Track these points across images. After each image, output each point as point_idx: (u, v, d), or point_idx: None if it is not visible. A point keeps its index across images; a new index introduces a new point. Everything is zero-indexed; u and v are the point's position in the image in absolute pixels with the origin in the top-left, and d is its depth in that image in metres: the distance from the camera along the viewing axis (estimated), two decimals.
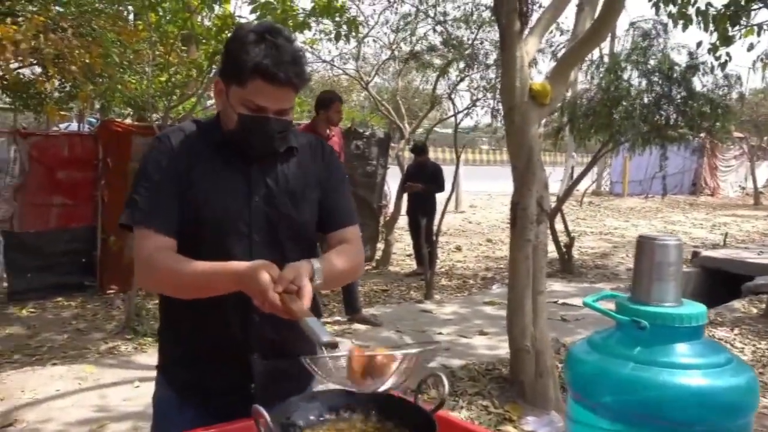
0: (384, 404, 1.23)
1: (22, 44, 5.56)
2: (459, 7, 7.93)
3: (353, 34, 6.38)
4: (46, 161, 6.46)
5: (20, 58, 6.08)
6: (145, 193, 1.53)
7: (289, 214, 1.58)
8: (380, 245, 8.47)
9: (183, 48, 6.89)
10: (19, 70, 7.02)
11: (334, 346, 1.21)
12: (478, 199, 16.76)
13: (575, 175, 11.71)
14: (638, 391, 0.93)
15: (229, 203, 1.55)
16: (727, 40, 6.91)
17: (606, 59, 8.53)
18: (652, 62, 7.79)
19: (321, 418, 1.22)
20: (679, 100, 7.72)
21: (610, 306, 1.05)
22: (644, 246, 1.00)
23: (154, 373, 3.95)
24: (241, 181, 1.57)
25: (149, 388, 3.98)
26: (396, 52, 8.93)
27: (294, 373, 1.52)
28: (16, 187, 6.32)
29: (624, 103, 7.57)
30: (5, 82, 6.97)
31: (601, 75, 8.08)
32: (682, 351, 0.95)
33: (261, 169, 1.58)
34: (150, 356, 4.61)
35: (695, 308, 0.98)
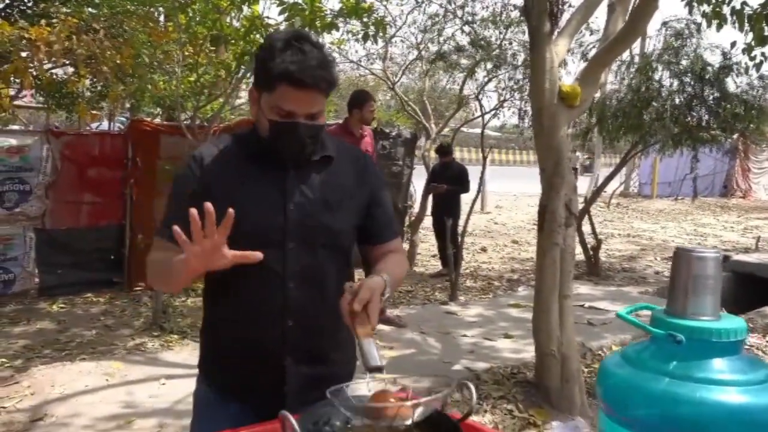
0: (419, 392, 1.23)
1: (56, 45, 5.67)
2: (487, 7, 7.90)
3: (381, 34, 6.36)
4: (77, 160, 6.57)
5: (53, 59, 6.20)
6: (170, 211, 1.61)
7: (324, 223, 1.60)
8: (405, 245, 8.46)
9: (212, 48, 6.95)
10: (52, 70, 7.15)
11: (379, 371, 1.27)
12: (504, 200, 16.65)
13: (600, 177, 11.57)
14: (673, 407, 0.91)
15: (264, 212, 1.58)
16: (763, 41, 6.74)
17: (637, 59, 8.43)
18: (684, 62, 7.67)
19: (348, 425, 1.21)
20: (711, 101, 7.59)
21: (644, 317, 1.02)
22: (681, 258, 0.97)
23: (180, 371, 4.02)
24: (276, 190, 1.59)
25: (175, 385, 4.03)
26: (423, 53, 8.91)
27: (327, 380, 1.50)
28: (47, 185, 6.43)
29: (655, 104, 7.46)
30: (39, 82, 7.11)
31: (631, 75, 7.98)
32: (719, 367, 0.92)
33: (297, 176, 1.60)
34: (176, 353, 4.67)
35: (734, 322, 0.95)
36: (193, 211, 1.33)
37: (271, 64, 1.48)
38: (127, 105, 10.42)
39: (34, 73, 6.54)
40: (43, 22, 6.28)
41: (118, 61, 6.05)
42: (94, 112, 9.06)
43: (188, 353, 4.58)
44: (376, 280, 1.43)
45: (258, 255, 1.42)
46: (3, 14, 7.53)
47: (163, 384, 4.03)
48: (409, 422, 1.16)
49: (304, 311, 1.60)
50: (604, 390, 1.01)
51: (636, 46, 9.91)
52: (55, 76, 7.40)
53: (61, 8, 7.36)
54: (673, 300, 0.98)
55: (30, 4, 8.13)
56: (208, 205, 1.34)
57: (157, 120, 8.79)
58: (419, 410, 1.16)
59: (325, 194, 1.61)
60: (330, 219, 1.61)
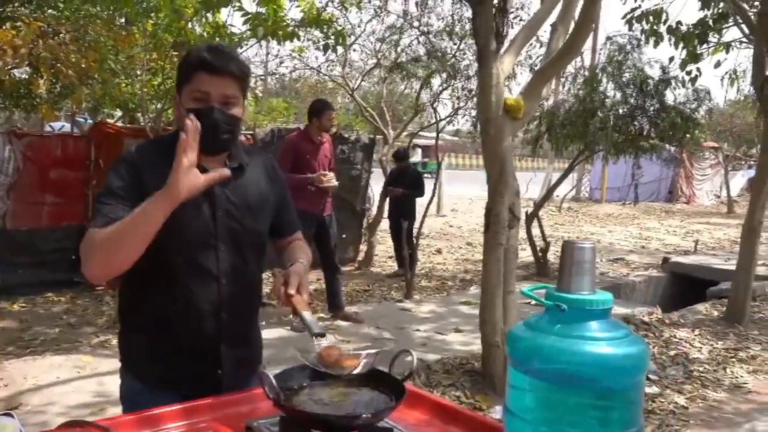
0: (363, 374, 1.51)
1: (22, 49, 5.78)
2: (443, 18, 8.25)
3: (341, 44, 6.64)
4: (39, 161, 6.65)
5: (17, 62, 6.28)
6: (107, 201, 1.63)
7: (250, 227, 1.81)
8: (363, 247, 8.75)
9: (175, 54, 7.12)
10: (12, 71, 7.20)
11: (323, 336, 1.54)
12: (460, 203, 17.08)
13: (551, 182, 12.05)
14: (559, 357, 1.22)
15: (196, 218, 1.72)
16: (695, 57, 7.29)
17: (584, 72, 8.90)
18: (627, 75, 8.14)
19: (312, 382, 1.50)
20: (651, 112, 8.08)
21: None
22: (567, 248, 1.29)
23: None
24: (205, 197, 1.70)
25: None
26: (381, 61, 9.22)
27: (252, 360, 1.89)
28: (9, 186, 6.50)
29: (600, 114, 7.91)
30: (1, 83, 7.15)
31: (578, 87, 8.44)
32: (592, 327, 1.23)
33: (221, 184, 1.72)
34: None
35: (604, 296, 1.27)
36: (191, 119, 1.52)
37: (189, 59, 1.72)
38: (86, 106, 10.44)
39: None
40: (8, 25, 6.37)
41: (83, 65, 6.17)
42: (56, 113, 9.08)
43: None
44: (298, 266, 1.72)
45: (226, 171, 1.62)
46: None
47: None
48: (357, 371, 1.44)
49: (236, 304, 1.81)
50: (511, 349, 1.32)
51: (586, 59, 10.42)
52: (15, 78, 7.44)
53: (20, 9, 7.43)
54: (560, 280, 1.30)
55: None
56: (193, 121, 1.52)
57: (119, 123, 8.87)
58: (364, 361, 1.44)
59: (247, 199, 1.79)
60: (253, 222, 1.81)
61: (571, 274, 1.30)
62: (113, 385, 4.17)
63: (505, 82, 4.51)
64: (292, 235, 1.98)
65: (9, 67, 6.29)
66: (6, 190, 6.49)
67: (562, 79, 8.85)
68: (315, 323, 1.57)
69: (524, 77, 15.54)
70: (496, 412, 3.78)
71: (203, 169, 1.61)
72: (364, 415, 1.36)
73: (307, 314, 1.58)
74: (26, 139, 6.71)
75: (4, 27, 6.09)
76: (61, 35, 6.26)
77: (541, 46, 8.43)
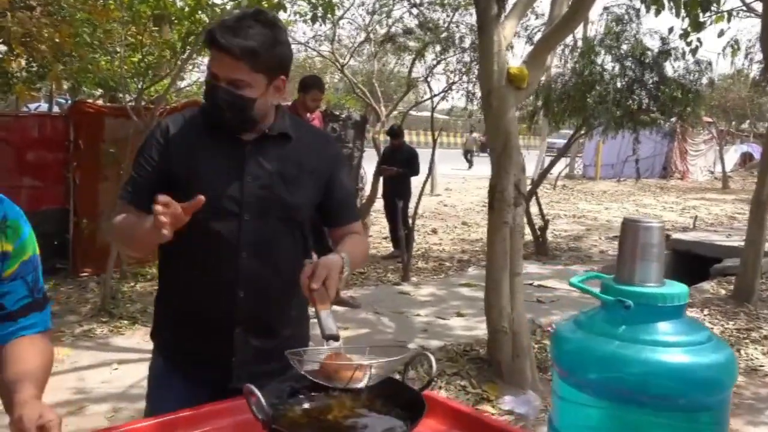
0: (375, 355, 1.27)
1: None
2: None
3: (329, 16, 6.33)
4: (15, 142, 6.33)
5: None
6: (135, 173, 1.66)
7: (280, 196, 1.63)
8: None
9: (155, 28, 6.78)
10: None
11: (335, 339, 1.31)
12: (454, 182, 16.83)
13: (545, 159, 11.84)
14: (622, 367, 0.96)
15: (221, 183, 1.60)
16: (698, 26, 6.99)
17: (580, 44, 8.61)
18: (625, 47, 7.88)
19: (312, 395, 1.24)
20: (651, 85, 7.84)
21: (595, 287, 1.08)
22: (629, 228, 1.03)
23: (132, 356, 3.97)
24: (234, 162, 1.61)
25: (128, 370, 3.98)
26: (371, 35, 8.89)
27: (275, 354, 1.53)
28: None
29: (598, 88, 7.66)
30: None
31: (575, 59, 8.16)
32: (664, 329, 0.98)
33: (254, 150, 1.63)
34: (127, 338, 4.59)
35: (677, 288, 1.02)
36: (162, 198, 1.36)
37: (206, 32, 1.60)
38: (66, 86, 10.09)
39: None
40: None
41: (56, 40, 5.84)
42: (32, 93, 8.73)
43: (140, 338, 4.51)
44: (333, 258, 1.46)
45: (201, 198, 1.42)
46: None
47: (116, 369, 3.97)
48: (362, 384, 1.19)
49: (256, 282, 1.62)
50: (558, 354, 1.06)
51: (579, 31, 10.11)
52: None
53: None
54: (621, 268, 1.04)
55: None
56: (200, 198, 1.39)
57: (100, 102, 8.53)
58: (373, 372, 1.19)
59: (282, 169, 1.64)
60: (286, 193, 1.63)
61: (635, 260, 1.04)
62: (93, 380, 3.96)
63: (506, 51, 4.22)
64: (346, 226, 1.75)
65: None
66: None
67: (558, 52, 8.56)
68: (329, 324, 1.33)
69: (522, 50, 15.26)
70: (505, 403, 3.57)
71: (237, 138, 1.61)
72: None
73: (324, 312, 1.35)
74: (0, 119, 6.37)
75: None
76: (31, 9, 5.91)
77: (536, 18, 8.17)
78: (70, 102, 10.61)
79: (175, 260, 1.69)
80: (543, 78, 8.07)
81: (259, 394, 1.10)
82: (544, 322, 5.07)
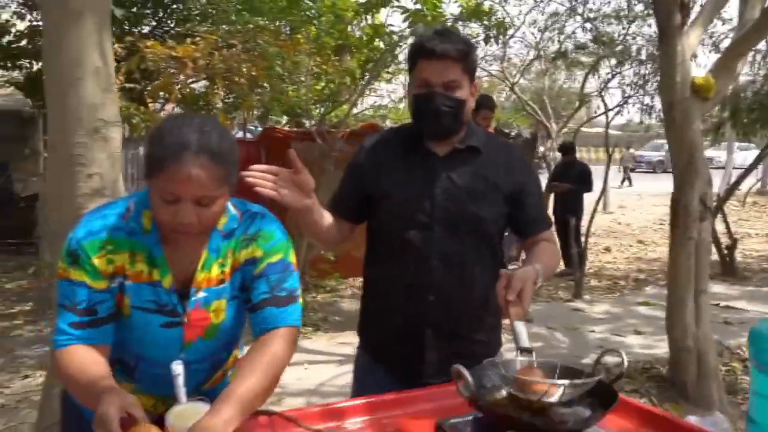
0: (567, 370, 1.35)
1: (200, 61, 6.22)
2: (609, 2, 7.76)
3: (501, 36, 6.45)
4: None
5: (196, 74, 6.77)
6: (338, 188, 1.88)
7: (468, 210, 1.74)
8: None
9: (336, 58, 7.32)
10: (191, 85, 7.80)
11: (529, 352, 1.39)
12: (628, 199, 16.07)
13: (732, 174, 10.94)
14: None
15: (413, 196, 1.75)
16: None
17: None
18: None
19: (516, 369, 1.35)
20: None
21: None
22: None
23: (320, 357, 4.33)
24: (425, 176, 1.75)
25: (317, 370, 4.32)
26: (542, 52, 8.87)
27: (466, 357, 1.62)
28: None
29: None
30: (182, 96, 7.77)
31: None
32: None
33: (445, 165, 1.76)
34: (313, 342, 4.97)
35: None
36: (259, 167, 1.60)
37: (413, 46, 1.76)
38: (257, 114, 11.11)
39: (179, 88, 7.18)
40: (188, 40, 6.89)
41: (253, 73, 6.52)
42: (228, 122, 9.73)
43: (325, 342, 4.88)
44: (527, 270, 1.54)
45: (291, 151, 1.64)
46: (152, 35, 8.29)
47: (306, 368, 4.33)
48: (554, 399, 1.25)
49: (445, 289, 1.75)
50: (757, 350, 1.10)
51: None
52: (194, 90, 8.06)
53: (199, 27, 8.02)
54: None
55: (173, 25, 8.91)
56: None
57: (286, 128, 9.31)
58: (567, 391, 1.26)
59: (471, 183, 1.74)
60: (474, 207, 1.73)
61: None
62: (289, 377, 4.32)
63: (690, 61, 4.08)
64: (537, 235, 1.83)
65: (190, 80, 6.81)
66: None
67: (748, 58, 7.97)
68: (524, 336, 1.42)
69: (706, 58, 14.26)
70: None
71: (430, 152, 1.76)
72: (571, 420, 1.21)
73: (519, 324, 1.43)
74: None
75: (185, 43, 6.57)
76: (232, 48, 6.65)
77: (723, 23, 7.69)
78: (259, 129, 11.68)
79: (376, 265, 1.87)
80: (731, 87, 7.57)
81: (467, 374, 1.24)
82: (732, 344, 4.75)
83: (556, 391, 1.25)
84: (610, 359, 1.43)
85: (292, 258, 1.50)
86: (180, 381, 1.37)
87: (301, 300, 1.50)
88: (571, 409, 1.27)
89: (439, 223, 1.74)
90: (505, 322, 1.65)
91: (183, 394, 1.36)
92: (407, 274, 1.76)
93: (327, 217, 1.77)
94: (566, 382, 1.28)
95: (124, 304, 1.41)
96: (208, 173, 1.27)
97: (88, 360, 1.35)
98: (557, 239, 1.84)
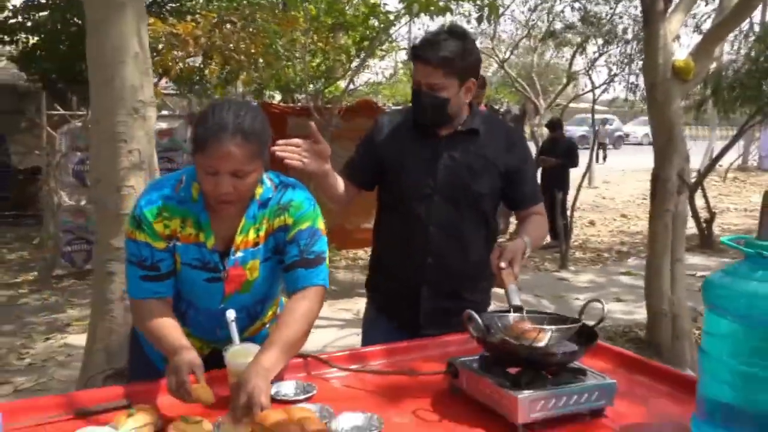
0: (554, 319, 1.63)
1: (201, 39, 6.37)
2: None
3: (494, 16, 6.64)
4: None
5: (196, 50, 6.91)
6: (353, 155, 2.13)
7: (466, 183, 2.01)
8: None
9: (331, 35, 7.47)
10: (188, 61, 7.91)
11: (520, 310, 1.65)
12: (611, 174, 16.41)
13: (715, 150, 11.27)
14: (759, 301, 1.27)
15: (419, 170, 2.02)
16: None
17: (756, 28, 8.22)
18: None
19: (510, 321, 1.62)
20: None
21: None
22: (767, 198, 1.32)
23: (321, 322, 4.65)
24: (430, 154, 2.02)
25: (320, 334, 4.56)
26: (532, 31, 9.08)
27: (456, 313, 1.88)
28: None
29: None
30: (181, 72, 7.89)
31: (750, 45, 7.81)
32: None
33: (447, 144, 2.02)
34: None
35: None
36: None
37: (411, 47, 2.08)
38: (251, 89, 11.20)
39: (180, 65, 7.31)
40: (188, 18, 7.02)
41: (252, 51, 6.67)
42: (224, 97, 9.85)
43: (326, 308, 5.12)
44: (518, 242, 1.80)
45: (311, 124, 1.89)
46: (149, 11, 8.36)
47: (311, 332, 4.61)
48: (542, 344, 1.49)
49: (442, 253, 2.02)
50: (708, 294, 1.38)
51: (756, 15, 9.59)
52: (190, 65, 8.17)
53: (195, 2, 8.12)
54: (762, 229, 1.34)
55: (169, 1, 8.97)
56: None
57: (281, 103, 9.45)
58: (553, 335, 1.51)
59: (470, 161, 2.01)
60: (470, 181, 2.00)
61: None
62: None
63: (672, 44, 4.33)
64: (528, 208, 2.08)
65: (189, 57, 6.95)
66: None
67: (730, 38, 8.21)
68: (516, 296, 1.68)
69: (689, 39, 14.52)
70: None
71: (435, 134, 2.01)
72: (560, 353, 1.49)
73: (512, 286, 1.69)
74: None
75: (185, 20, 6.71)
76: (232, 25, 6.79)
77: (706, 4, 7.92)
78: (255, 104, 11.75)
79: (384, 230, 2.15)
80: (713, 66, 7.82)
81: (477, 317, 1.51)
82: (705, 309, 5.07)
83: (545, 336, 1.51)
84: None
85: (320, 224, 1.71)
86: (233, 326, 1.64)
87: (327, 261, 1.70)
88: (559, 346, 1.54)
89: (441, 196, 2.00)
90: (496, 289, 1.95)
91: (237, 336, 1.63)
92: (410, 238, 2.03)
93: (340, 181, 2.03)
94: (553, 327, 1.55)
95: (176, 261, 1.66)
96: (242, 150, 1.50)
97: (162, 314, 1.61)
98: (542, 209, 2.11)
